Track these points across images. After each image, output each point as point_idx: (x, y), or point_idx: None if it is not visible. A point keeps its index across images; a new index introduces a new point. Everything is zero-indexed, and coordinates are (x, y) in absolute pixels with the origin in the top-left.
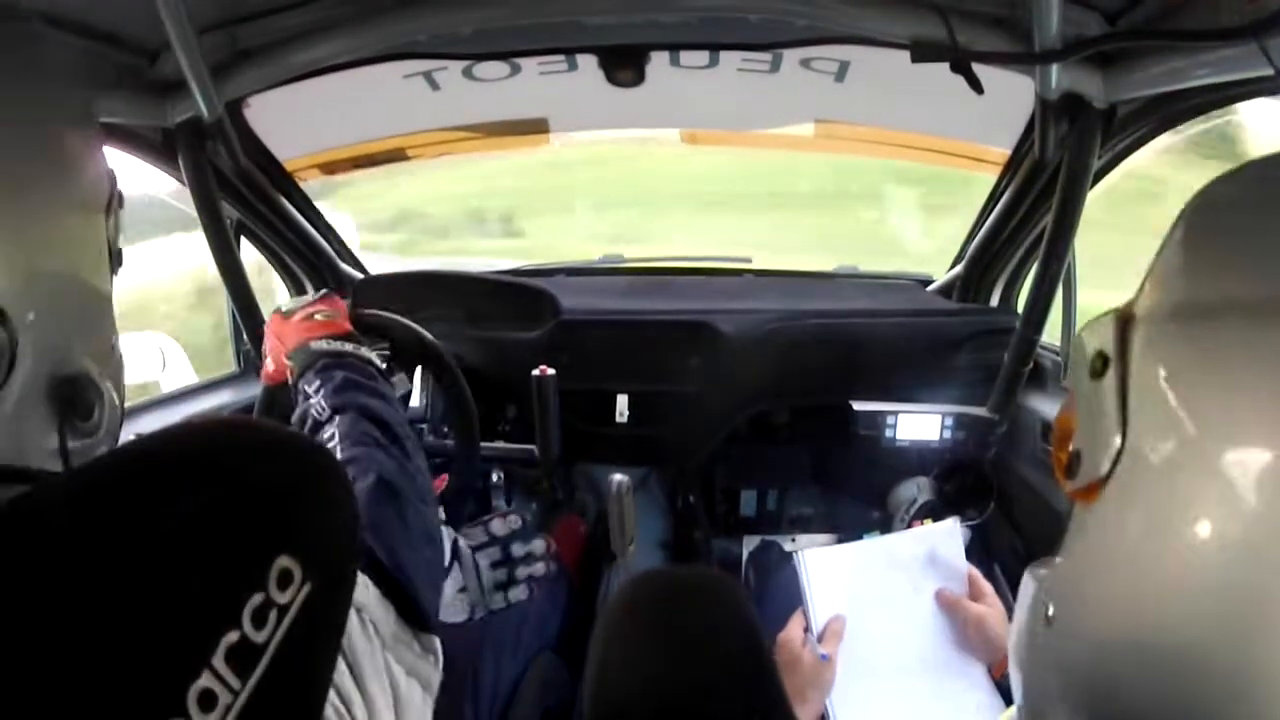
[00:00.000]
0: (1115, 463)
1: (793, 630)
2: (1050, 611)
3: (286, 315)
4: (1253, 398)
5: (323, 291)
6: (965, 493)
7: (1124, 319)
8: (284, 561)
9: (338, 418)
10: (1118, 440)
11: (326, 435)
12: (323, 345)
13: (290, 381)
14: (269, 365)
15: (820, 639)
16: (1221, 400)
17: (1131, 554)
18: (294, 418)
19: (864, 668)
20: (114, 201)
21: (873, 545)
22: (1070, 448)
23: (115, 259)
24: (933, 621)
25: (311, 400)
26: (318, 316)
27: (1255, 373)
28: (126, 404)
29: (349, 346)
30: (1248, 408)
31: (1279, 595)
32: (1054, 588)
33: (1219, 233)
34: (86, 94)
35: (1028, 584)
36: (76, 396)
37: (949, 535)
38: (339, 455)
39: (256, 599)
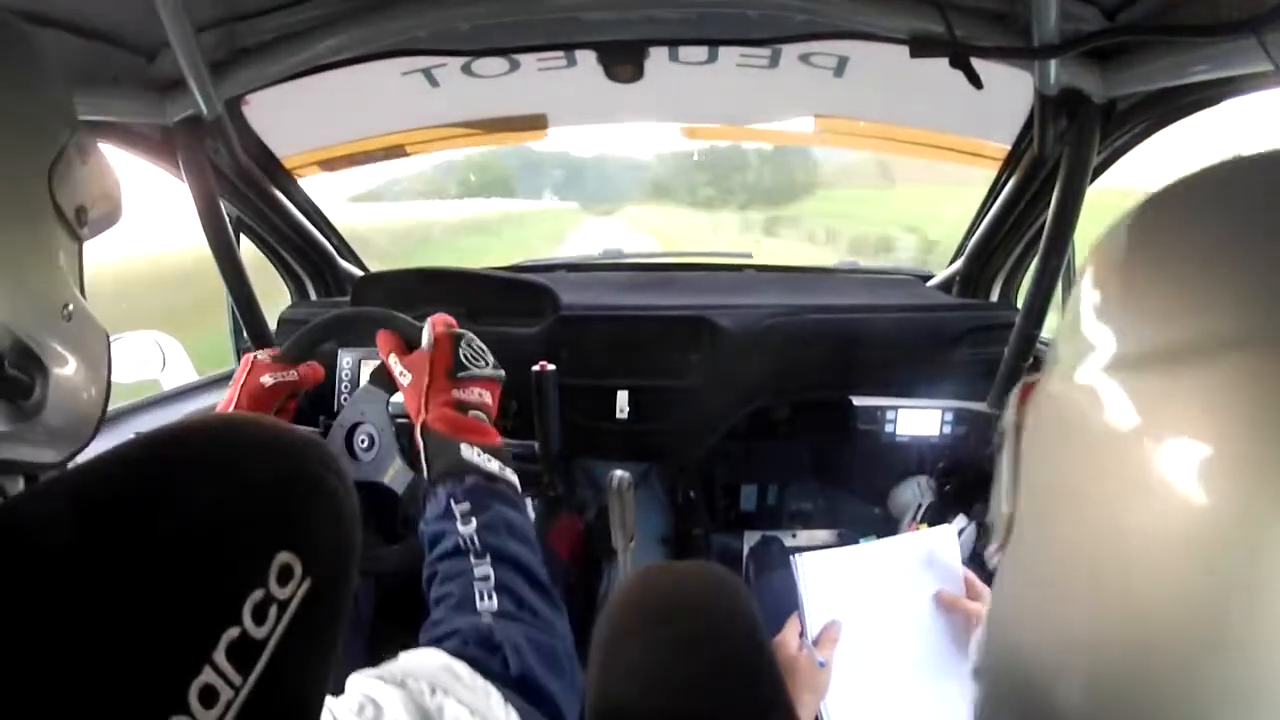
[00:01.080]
0: (1009, 529)
1: (788, 634)
2: (976, 664)
3: (455, 379)
4: (1103, 462)
5: (490, 372)
6: (966, 489)
7: (1024, 391)
8: (284, 557)
9: (493, 564)
10: (1007, 508)
11: (480, 574)
12: (475, 458)
13: (423, 463)
14: (403, 386)
15: (816, 643)
16: (1072, 466)
17: (1015, 615)
18: (428, 520)
19: (859, 671)
20: (66, 155)
21: (869, 549)
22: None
23: (79, 216)
24: (929, 625)
25: (459, 524)
26: (477, 415)
27: (1158, 422)
28: (128, 403)
29: (503, 470)
30: (1092, 476)
31: (1152, 657)
32: (978, 637)
33: (1100, 289)
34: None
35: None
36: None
37: (946, 539)
38: (494, 605)
39: (257, 595)
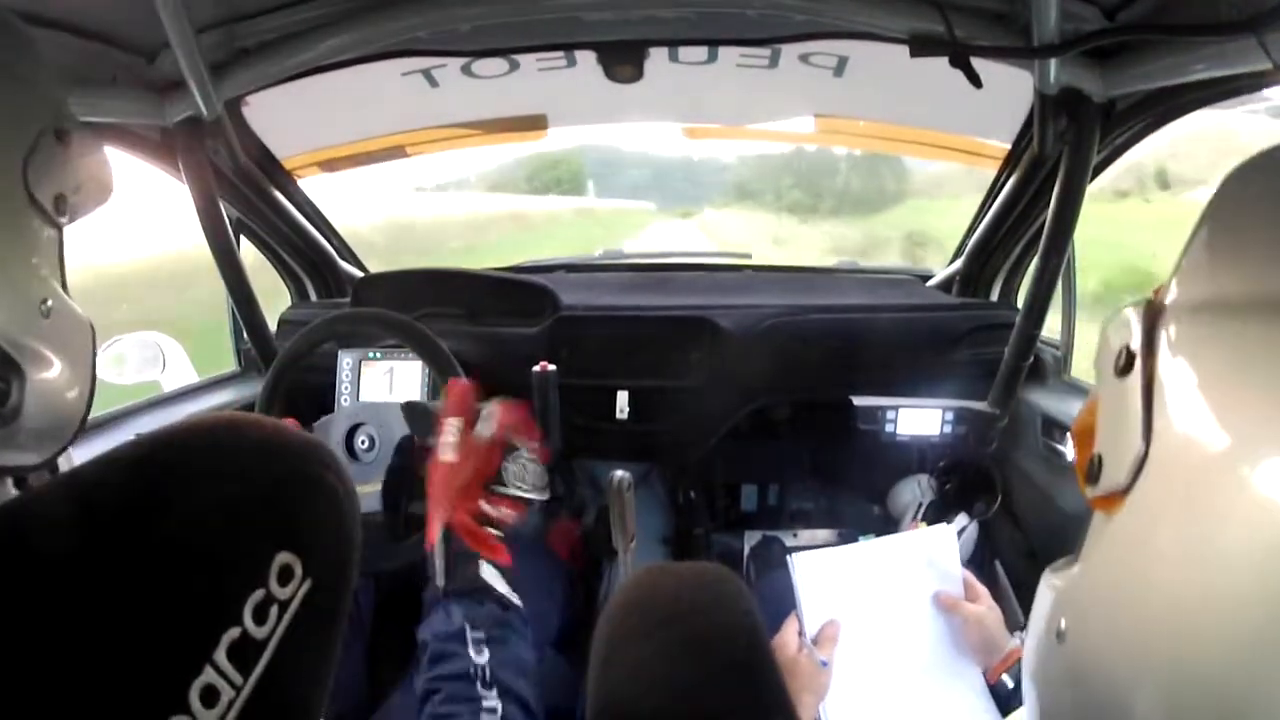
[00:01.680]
0: (1138, 472)
1: (787, 634)
2: (1062, 626)
3: (490, 491)
4: None
5: (527, 496)
6: (967, 489)
7: (1153, 311)
8: (284, 558)
9: (500, 698)
10: (1141, 447)
11: (488, 705)
12: (493, 579)
13: (432, 563)
14: (439, 458)
15: (815, 643)
16: (1257, 406)
17: (1153, 573)
18: (437, 635)
19: (857, 672)
20: (42, 144)
21: (867, 548)
22: (1093, 450)
23: (58, 206)
24: (927, 625)
25: (472, 650)
26: (496, 533)
27: None
28: (128, 405)
29: (511, 594)
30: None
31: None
32: (1067, 602)
33: (1253, 220)
34: None
35: (1043, 593)
36: None
37: (944, 539)
38: None
39: (257, 595)
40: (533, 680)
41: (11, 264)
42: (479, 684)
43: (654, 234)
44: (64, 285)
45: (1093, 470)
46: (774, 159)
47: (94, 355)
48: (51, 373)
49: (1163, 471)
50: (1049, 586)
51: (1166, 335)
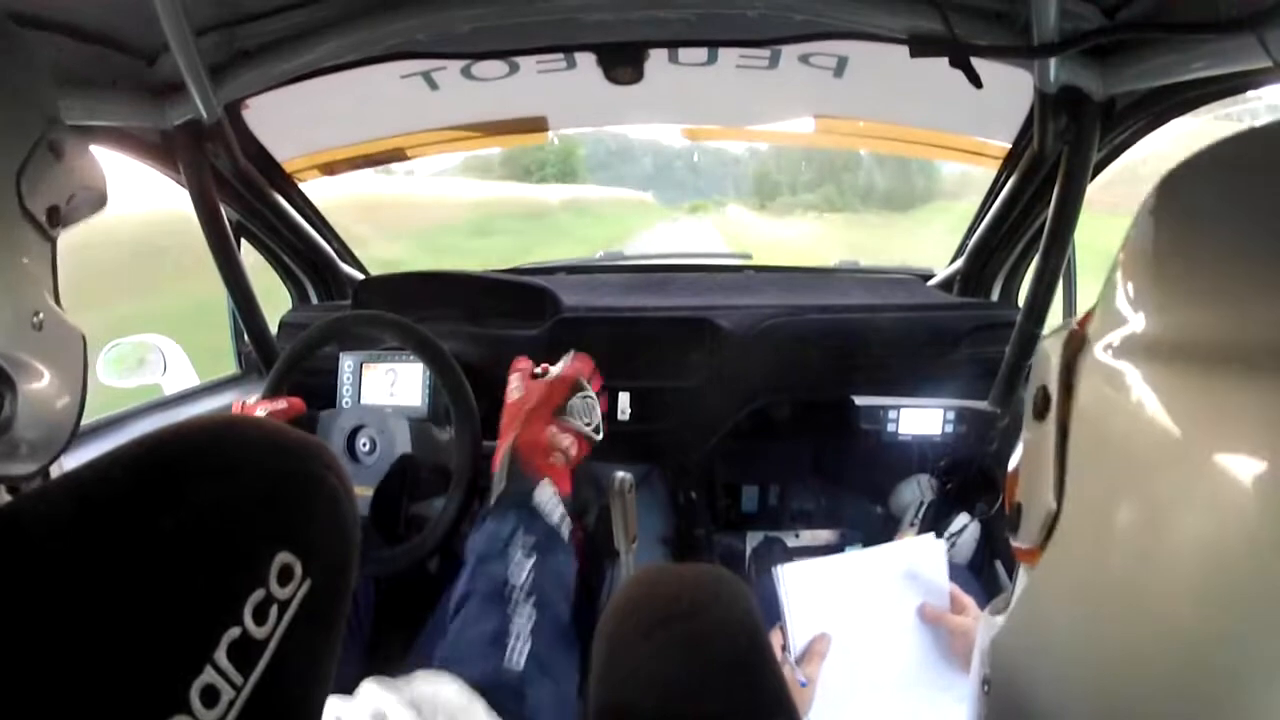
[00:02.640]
0: (1049, 533)
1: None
2: (987, 674)
3: (557, 418)
4: (1220, 463)
5: (589, 431)
6: (968, 488)
7: (1073, 346)
8: (284, 557)
9: (536, 608)
10: (1052, 505)
11: (521, 617)
12: (547, 501)
13: (494, 483)
14: (509, 398)
15: (803, 658)
16: (1178, 469)
17: (1063, 637)
18: (487, 534)
19: (844, 685)
20: (36, 155)
21: (853, 559)
22: (1015, 498)
23: (50, 218)
24: (914, 636)
25: (522, 553)
26: (560, 458)
27: (1234, 433)
28: (129, 407)
29: (564, 520)
30: (1210, 476)
31: (1222, 688)
32: (992, 651)
33: (1187, 241)
34: None
35: (980, 634)
36: None
37: (931, 549)
38: (522, 659)
39: (257, 595)
40: (570, 600)
41: (3, 278)
42: (517, 591)
43: (657, 236)
44: (56, 296)
45: (1013, 521)
46: (792, 150)
47: (85, 365)
48: (42, 384)
49: (1071, 537)
50: (985, 626)
51: (1085, 376)
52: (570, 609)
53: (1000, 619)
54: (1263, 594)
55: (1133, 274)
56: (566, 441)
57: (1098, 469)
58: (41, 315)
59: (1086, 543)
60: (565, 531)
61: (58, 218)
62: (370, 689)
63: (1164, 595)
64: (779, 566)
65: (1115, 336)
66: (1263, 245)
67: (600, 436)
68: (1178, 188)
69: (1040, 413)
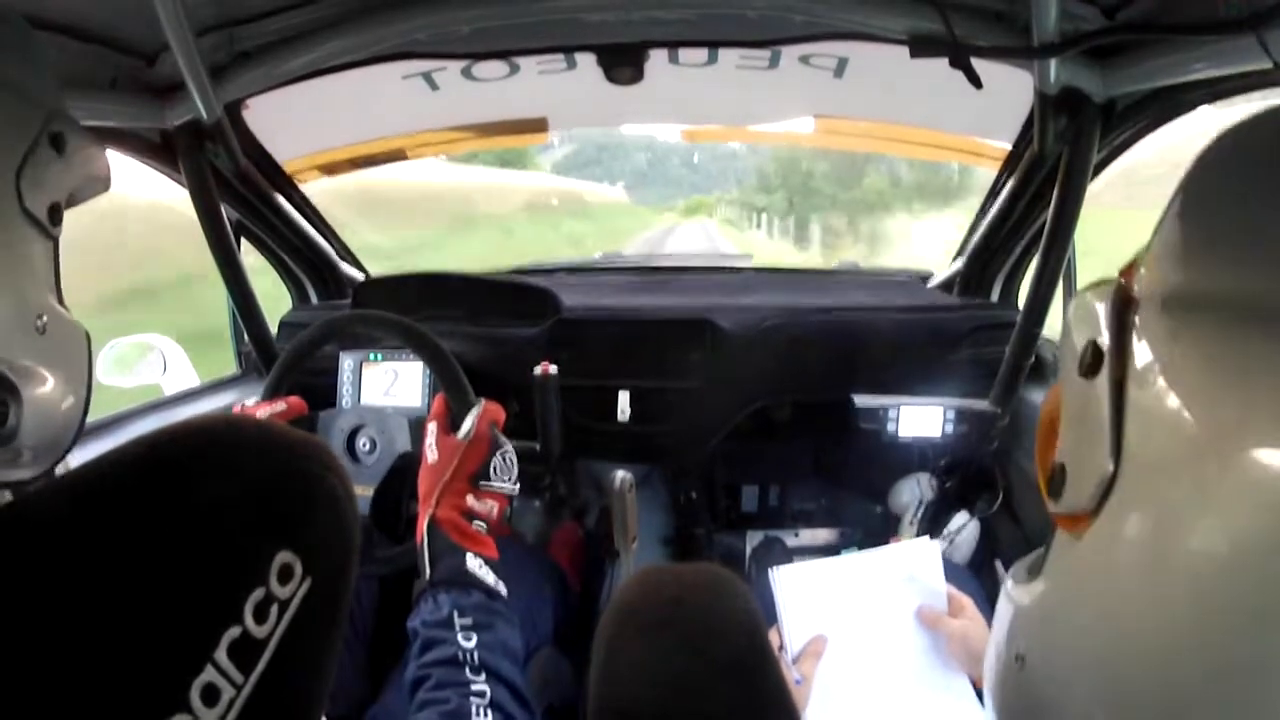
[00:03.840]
0: (1104, 495)
1: None
2: (1022, 649)
3: (475, 486)
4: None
5: (509, 488)
6: (968, 488)
7: (1122, 301)
8: (284, 557)
9: (489, 682)
10: (1109, 466)
11: (476, 689)
12: (478, 570)
13: (420, 556)
14: (426, 461)
15: (799, 659)
16: (1243, 421)
17: (1121, 605)
18: (425, 623)
19: (840, 686)
20: (36, 153)
21: (849, 561)
22: (1054, 459)
23: (52, 216)
24: (911, 638)
25: (460, 635)
26: (481, 526)
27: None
28: (128, 407)
29: (498, 584)
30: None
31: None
32: (1028, 625)
33: (1235, 202)
34: None
35: (1003, 608)
36: None
37: (927, 552)
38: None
39: (258, 594)
40: (519, 665)
41: (4, 284)
42: (467, 669)
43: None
44: (59, 296)
45: (1055, 482)
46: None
47: (90, 365)
48: (47, 388)
49: (1133, 498)
50: (1009, 600)
51: (1140, 332)
52: (523, 673)
53: (1029, 591)
54: None
55: (1195, 227)
56: (487, 507)
57: (1163, 430)
58: (45, 317)
59: (1149, 507)
60: (503, 588)
61: (59, 215)
62: None
63: (1230, 567)
64: (774, 569)
65: (1176, 292)
66: None
67: (518, 489)
68: (1236, 142)
69: (1091, 370)
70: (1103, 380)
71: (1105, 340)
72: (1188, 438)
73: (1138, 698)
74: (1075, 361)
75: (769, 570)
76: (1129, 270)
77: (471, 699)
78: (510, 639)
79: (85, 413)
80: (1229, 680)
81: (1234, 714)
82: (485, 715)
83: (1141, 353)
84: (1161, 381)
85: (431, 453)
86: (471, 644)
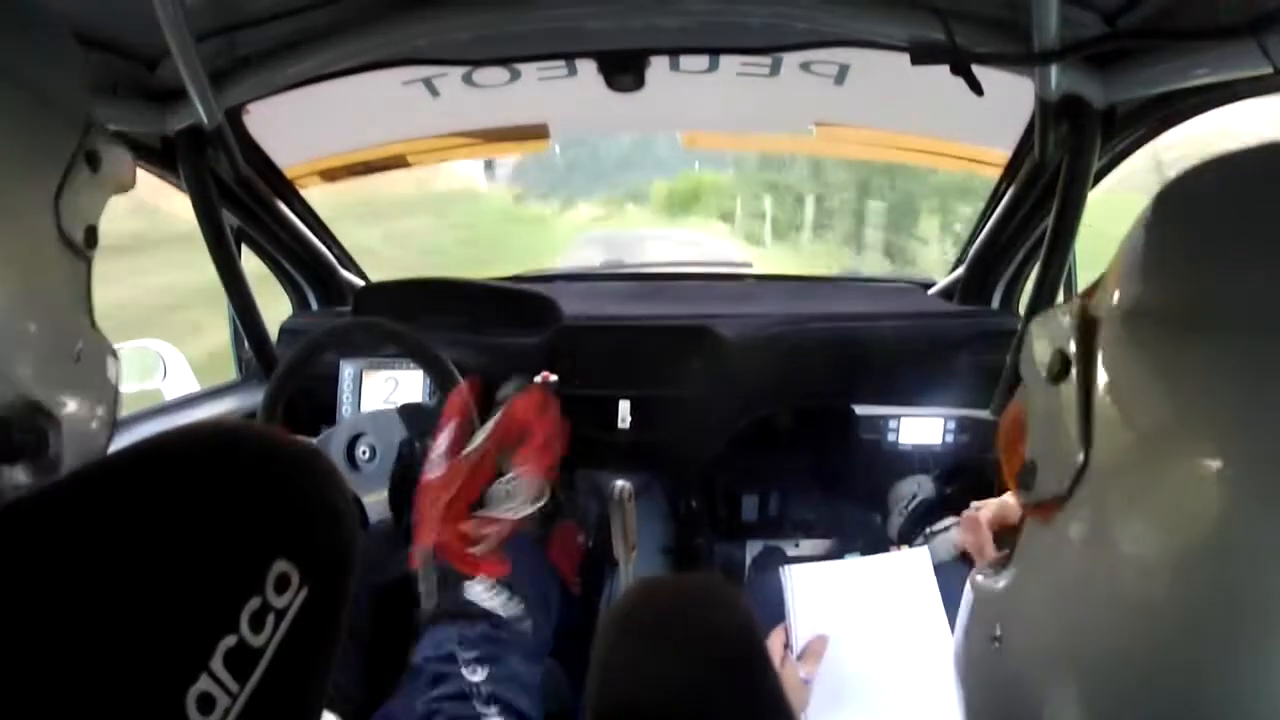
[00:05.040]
0: (1075, 482)
1: (773, 644)
2: (998, 631)
3: (475, 515)
4: (1243, 415)
5: (513, 516)
6: (968, 495)
7: (1087, 316)
8: (281, 566)
9: (500, 715)
10: (1080, 457)
11: (489, 718)
12: (483, 596)
13: (422, 591)
14: (427, 474)
15: (801, 657)
16: (1192, 418)
17: (1091, 580)
18: (429, 658)
19: (842, 685)
20: (74, 172)
21: (857, 564)
22: (1024, 455)
23: (88, 238)
24: (915, 640)
25: (464, 670)
26: (484, 550)
27: (1241, 390)
28: (128, 413)
29: (508, 605)
30: (1237, 429)
31: (1251, 629)
32: (1003, 607)
33: (1191, 230)
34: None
35: (968, 596)
36: (7, 442)
37: (919, 562)
38: None
39: (254, 603)
40: (535, 694)
41: (45, 318)
42: (476, 702)
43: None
44: (91, 316)
45: (1025, 477)
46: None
47: (117, 382)
48: (83, 412)
49: (1102, 482)
50: (975, 589)
51: (1104, 342)
52: (534, 703)
53: (998, 577)
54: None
55: (1147, 252)
56: (490, 530)
57: (1121, 427)
58: (81, 345)
59: (1115, 488)
60: (512, 610)
61: (95, 237)
62: None
63: (1187, 538)
64: (786, 567)
65: (1130, 306)
66: (1255, 231)
67: (530, 510)
68: (1184, 187)
69: (1058, 377)
70: (1070, 385)
71: (1072, 349)
72: (1140, 434)
73: (1102, 663)
74: (1043, 370)
75: (780, 568)
76: (1090, 292)
77: None
78: (520, 667)
79: (113, 430)
80: (1177, 649)
81: (1187, 682)
82: None
83: (1102, 359)
84: (1118, 384)
85: (435, 466)
86: (478, 678)
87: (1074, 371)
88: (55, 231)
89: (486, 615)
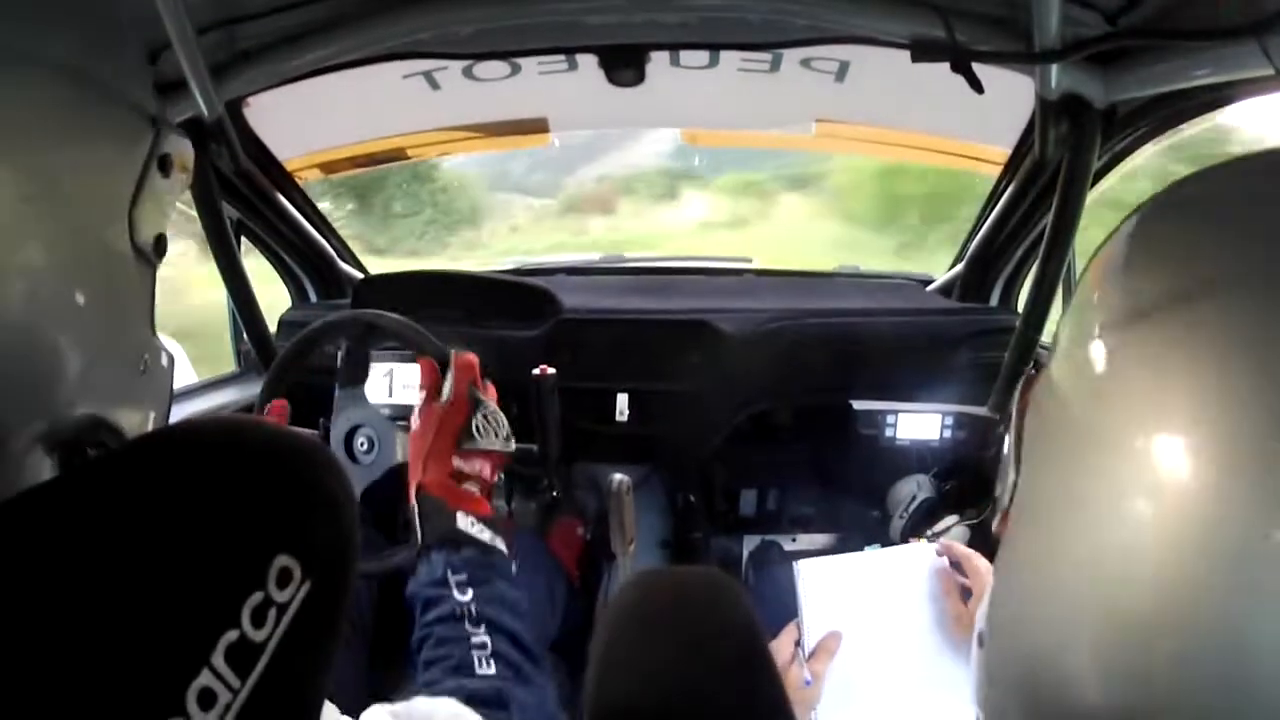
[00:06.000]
0: (1012, 496)
1: (783, 642)
2: (983, 630)
3: (460, 449)
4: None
5: (497, 446)
6: (966, 492)
7: (1027, 380)
8: (283, 560)
9: (489, 633)
10: (1013, 475)
11: (477, 641)
12: (470, 528)
13: (412, 522)
14: (412, 430)
15: (813, 655)
16: (1069, 447)
17: (1029, 578)
18: (421, 583)
19: (854, 682)
20: (146, 182)
21: (868, 557)
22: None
23: (158, 246)
24: (926, 637)
25: (455, 592)
26: (471, 486)
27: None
28: None
29: (494, 540)
30: (1091, 463)
31: (1152, 621)
32: (984, 609)
33: (1105, 280)
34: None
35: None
36: (75, 459)
37: (926, 555)
38: (493, 671)
39: (256, 598)
40: (522, 617)
41: (119, 335)
42: (466, 622)
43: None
44: (153, 325)
45: (997, 504)
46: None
47: (172, 386)
48: (144, 422)
49: (1024, 494)
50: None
51: (1032, 395)
52: (525, 622)
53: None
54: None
55: (1077, 319)
56: (476, 467)
57: (1031, 450)
58: (147, 357)
59: (1031, 499)
60: (500, 543)
61: (164, 245)
62: (374, 712)
63: (1084, 540)
64: (797, 563)
65: (1050, 365)
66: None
67: (513, 445)
68: (1119, 244)
69: (1004, 431)
70: (1013, 424)
71: (1014, 403)
72: (1039, 455)
73: (1053, 658)
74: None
75: (793, 563)
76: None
77: (473, 651)
78: (507, 591)
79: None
80: (1098, 637)
81: (1125, 674)
82: (488, 666)
83: (1030, 403)
84: (1033, 418)
85: (415, 422)
86: (467, 598)
87: (1013, 413)
88: (129, 243)
89: (473, 541)
